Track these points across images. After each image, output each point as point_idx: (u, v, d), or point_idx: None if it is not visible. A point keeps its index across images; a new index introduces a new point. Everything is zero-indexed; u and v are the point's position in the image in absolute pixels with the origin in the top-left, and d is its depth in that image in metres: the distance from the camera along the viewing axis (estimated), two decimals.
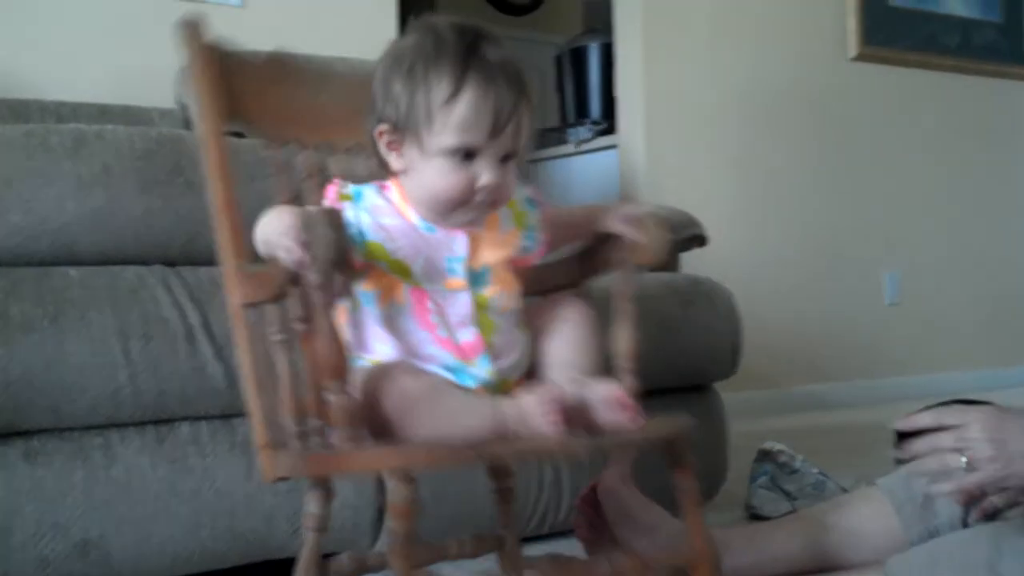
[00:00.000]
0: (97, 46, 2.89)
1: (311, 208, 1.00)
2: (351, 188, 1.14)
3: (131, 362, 1.49)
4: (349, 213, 1.09)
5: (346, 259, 0.98)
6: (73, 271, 1.53)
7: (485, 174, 1.08)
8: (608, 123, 3.98)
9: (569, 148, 4.26)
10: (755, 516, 2.05)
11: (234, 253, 1.12)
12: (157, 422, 1.56)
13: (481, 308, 1.13)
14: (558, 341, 1.18)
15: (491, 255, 1.15)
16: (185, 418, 1.58)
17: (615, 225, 1.19)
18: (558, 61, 4.48)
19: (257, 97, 1.21)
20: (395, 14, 3.18)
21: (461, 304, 1.12)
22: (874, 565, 1.45)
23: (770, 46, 3.77)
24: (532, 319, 1.20)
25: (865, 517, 1.53)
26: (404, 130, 1.09)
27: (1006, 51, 4.37)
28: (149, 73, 2.84)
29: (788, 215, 3.77)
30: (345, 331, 1.11)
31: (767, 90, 3.75)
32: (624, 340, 1.19)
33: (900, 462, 1.28)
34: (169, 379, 1.52)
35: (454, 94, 1.05)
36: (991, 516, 1.35)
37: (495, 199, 1.11)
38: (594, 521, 1.54)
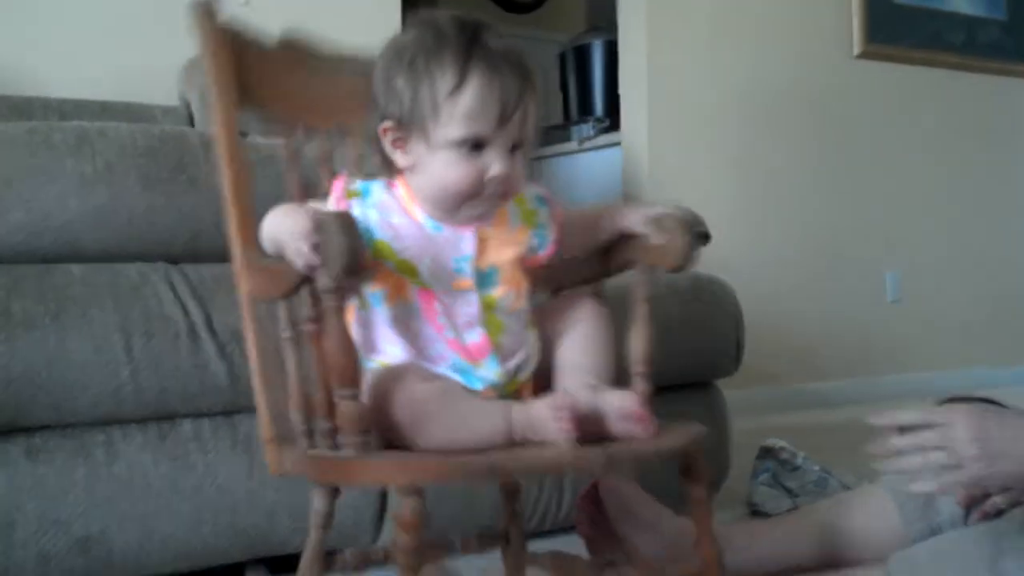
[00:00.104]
0: (100, 44, 2.89)
1: (323, 212, 0.98)
2: (358, 184, 1.12)
3: (133, 359, 1.50)
4: (356, 210, 1.07)
5: (359, 266, 0.95)
6: (75, 268, 1.53)
7: (495, 164, 1.06)
8: (612, 120, 3.98)
9: (572, 146, 4.27)
10: (757, 513, 2.05)
11: (244, 242, 1.10)
12: (159, 419, 1.56)
13: (489, 308, 1.11)
14: (571, 344, 1.16)
15: (499, 254, 1.12)
16: (187, 415, 1.58)
17: (635, 225, 1.17)
18: (562, 59, 4.48)
19: (270, 81, 1.19)
20: (398, 9, 3.19)
21: (468, 305, 1.10)
22: (876, 562, 1.45)
23: (773, 43, 3.76)
24: (545, 319, 1.18)
25: (867, 514, 1.53)
26: (409, 125, 1.07)
27: (1010, 49, 4.36)
28: (152, 71, 2.84)
29: (790, 213, 3.77)
30: (354, 331, 1.10)
31: (770, 88, 3.74)
32: (639, 343, 1.17)
33: (883, 458, 1.26)
34: (171, 376, 1.52)
35: (459, 84, 1.04)
36: (994, 516, 1.35)
37: (505, 190, 1.09)
38: (596, 518, 1.54)
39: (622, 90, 3.67)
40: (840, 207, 3.91)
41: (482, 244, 1.11)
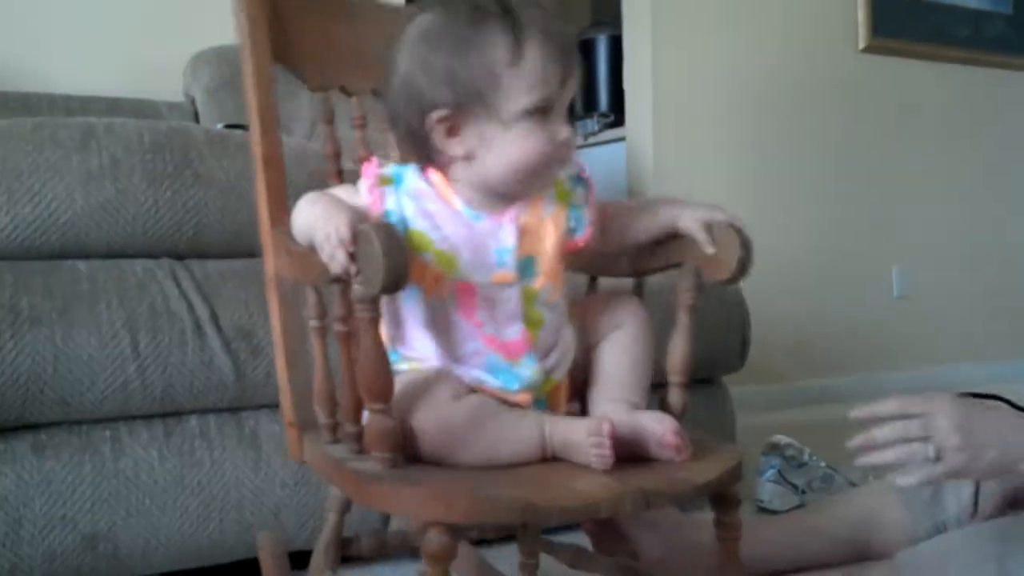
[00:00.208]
0: (105, 40, 2.89)
1: (365, 224, 0.90)
2: (391, 169, 1.04)
3: (139, 355, 1.50)
4: (390, 200, 1.02)
5: (402, 285, 0.89)
6: (82, 264, 1.53)
7: (562, 129, 1.00)
8: (616, 116, 3.97)
9: (577, 141, 4.26)
10: (763, 510, 2.05)
11: (272, 219, 1.07)
12: (165, 415, 1.56)
13: (529, 301, 1.05)
14: (612, 351, 1.11)
15: (538, 243, 1.06)
16: (193, 411, 1.58)
17: (692, 229, 1.10)
18: None
19: (307, 36, 1.15)
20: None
21: (509, 299, 1.04)
22: (883, 559, 1.44)
23: (778, 38, 3.75)
24: (585, 315, 1.13)
25: (873, 511, 1.52)
26: (467, 107, 0.99)
27: (1016, 43, 4.35)
28: (158, 67, 2.85)
29: (796, 208, 3.76)
30: (384, 323, 1.02)
31: (775, 82, 3.73)
32: (678, 354, 1.13)
33: (864, 451, 1.25)
34: (177, 372, 1.52)
35: (519, 51, 0.97)
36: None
37: (565, 156, 1.03)
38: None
39: (626, 85, 3.66)
40: (846, 202, 3.90)
41: (520, 233, 1.05)
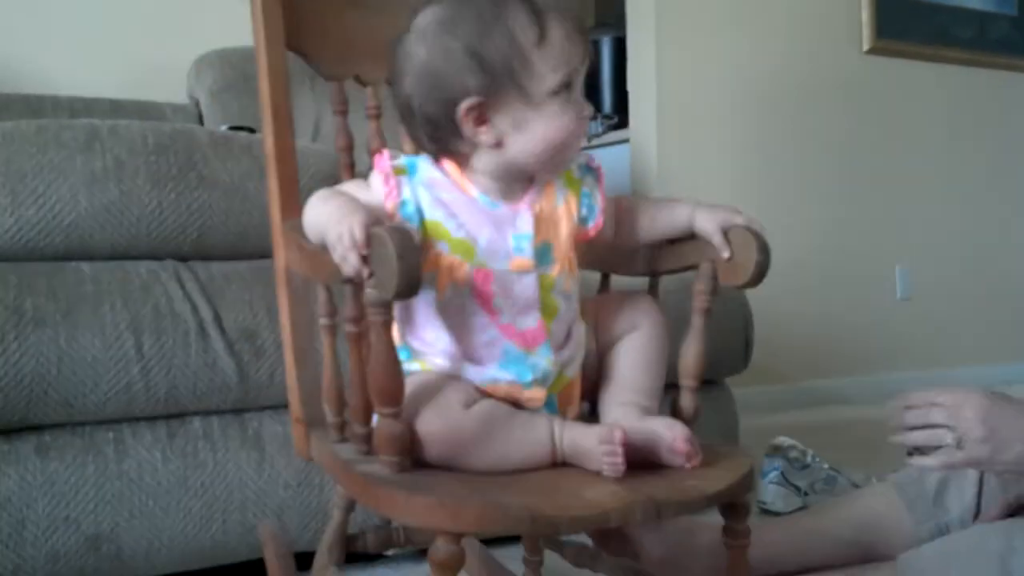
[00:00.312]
0: (110, 42, 2.90)
1: (379, 227, 0.88)
2: (403, 159, 1.04)
3: (143, 357, 1.50)
4: (406, 190, 1.01)
5: (415, 290, 0.87)
6: (86, 266, 1.54)
7: (584, 105, 1.02)
8: (620, 117, 3.97)
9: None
10: (766, 512, 2.05)
11: (283, 212, 1.06)
12: (168, 417, 1.57)
13: (546, 290, 1.04)
14: (626, 353, 1.11)
15: (552, 229, 1.06)
16: (196, 413, 1.58)
17: (709, 231, 1.08)
18: None
19: (321, 23, 1.14)
20: None
21: (527, 287, 1.03)
22: (886, 561, 1.44)
23: (782, 40, 3.75)
24: (598, 313, 1.13)
25: (876, 513, 1.52)
26: (498, 93, 0.98)
27: (1020, 44, 4.34)
28: (162, 69, 2.86)
29: (799, 209, 3.76)
30: (396, 312, 1.02)
31: (779, 84, 3.73)
32: (691, 357, 1.11)
33: (895, 433, 1.28)
34: (181, 374, 1.53)
35: (543, 31, 0.98)
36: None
37: (586, 131, 1.04)
38: None
39: (630, 86, 3.66)
40: (849, 204, 3.90)
41: (535, 220, 1.05)
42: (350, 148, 1.22)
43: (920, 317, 4.05)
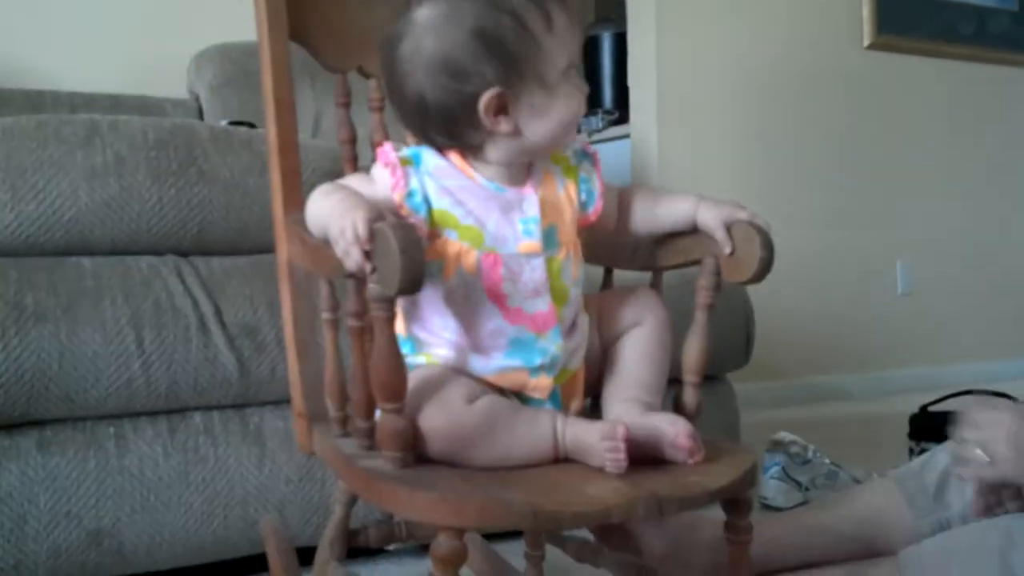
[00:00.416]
0: (110, 38, 2.90)
1: (382, 224, 0.87)
2: (407, 150, 1.04)
3: (144, 352, 1.50)
4: (412, 180, 1.01)
5: (419, 287, 0.86)
6: (86, 261, 1.54)
7: (583, 82, 1.03)
8: (621, 113, 3.97)
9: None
10: (767, 507, 2.05)
11: (286, 206, 1.05)
12: (169, 412, 1.57)
13: (554, 274, 1.04)
14: (630, 348, 1.11)
15: (556, 213, 1.06)
16: (197, 408, 1.58)
17: (712, 227, 1.07)
18: None
19: (324, 14, 1.14)
20: None
21: (535, 270, 1.03)
22: (886, 556, 1.44)
23: (784, 35, 3.75)
24: (603, 309, 1.13)
25: (877, 508, 1.52)
26: (518, 81, 0.98)
27: (1021, 40, 4.34)
28: (162, 64, 2.85)
29: (800, 205, 3.75)
30: (400, 303, 1.02)
31: (781, 79, 3.73)
32: (693, 353, 1.11)
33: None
34: (181, 369, 1.53)
35: (547, 16, 0.99)
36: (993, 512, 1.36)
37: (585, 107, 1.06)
38: None
39: (631, 82, 3.66)
40: (850, 199, 3.89)
41: (540, 204, 1.05)
42: (353, 141, 1.22)
43: (921, 313, 4.05)
